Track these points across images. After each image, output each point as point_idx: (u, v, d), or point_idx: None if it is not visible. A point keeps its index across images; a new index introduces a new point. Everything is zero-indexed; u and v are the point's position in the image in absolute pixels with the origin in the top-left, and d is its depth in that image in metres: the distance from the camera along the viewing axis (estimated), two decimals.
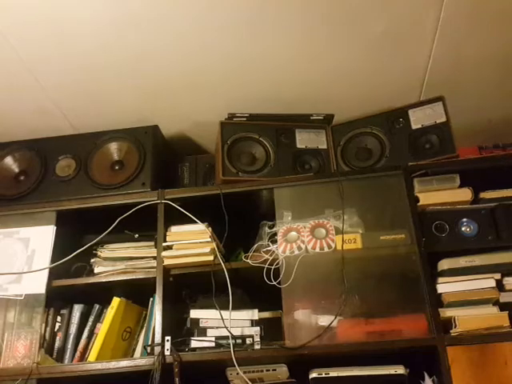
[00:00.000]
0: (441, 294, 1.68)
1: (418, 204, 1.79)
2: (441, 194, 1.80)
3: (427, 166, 1.84)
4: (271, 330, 1.77)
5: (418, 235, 1.74)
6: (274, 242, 1.83)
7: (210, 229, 1.84)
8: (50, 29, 1.74)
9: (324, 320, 1.69)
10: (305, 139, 2.07)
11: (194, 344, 1.73)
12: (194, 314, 1.80)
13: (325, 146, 2.07)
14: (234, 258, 1.97)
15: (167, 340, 1.70)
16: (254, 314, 1.78)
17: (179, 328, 1.81)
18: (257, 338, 1.72)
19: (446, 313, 1.65)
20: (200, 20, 1.73)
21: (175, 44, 1.82)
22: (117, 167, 2.07)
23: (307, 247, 1.78)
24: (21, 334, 1.83)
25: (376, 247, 1.75)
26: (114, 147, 2.11)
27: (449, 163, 1.87)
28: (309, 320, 1.71)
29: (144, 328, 1.90)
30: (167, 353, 1.69)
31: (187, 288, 1.93)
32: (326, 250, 1.77)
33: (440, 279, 1.70)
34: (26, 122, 2.17)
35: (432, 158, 1.91)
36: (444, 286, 1.68)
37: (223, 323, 1.71)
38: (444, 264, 1.70)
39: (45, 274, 1.85)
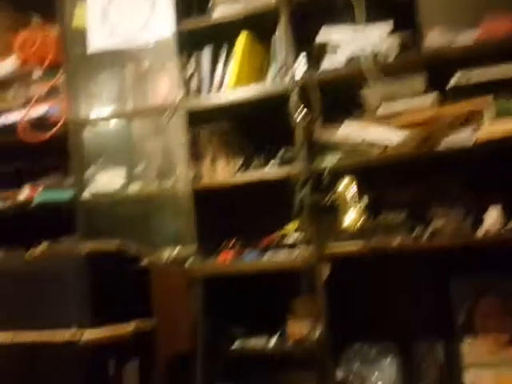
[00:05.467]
0: None
1: None
2: None
3: None
4: None
5: None
6: None
7: None
8: None
9: None
10: None
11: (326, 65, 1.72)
12: (324, 34, 1.74)
13: None
14: None
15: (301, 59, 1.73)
16: (388, 27, 1.68)
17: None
18: (392, 51, 1.66)
19: None
20: None
21: None
22: None
23: None
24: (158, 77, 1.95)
25: None
26: None
27: None
28: None
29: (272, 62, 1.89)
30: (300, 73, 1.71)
31: None
32: None
33: None
34: None
35: None
36: None
37: (355, 39, 1.66)
38: None
39: (170, 16, 1.87)
